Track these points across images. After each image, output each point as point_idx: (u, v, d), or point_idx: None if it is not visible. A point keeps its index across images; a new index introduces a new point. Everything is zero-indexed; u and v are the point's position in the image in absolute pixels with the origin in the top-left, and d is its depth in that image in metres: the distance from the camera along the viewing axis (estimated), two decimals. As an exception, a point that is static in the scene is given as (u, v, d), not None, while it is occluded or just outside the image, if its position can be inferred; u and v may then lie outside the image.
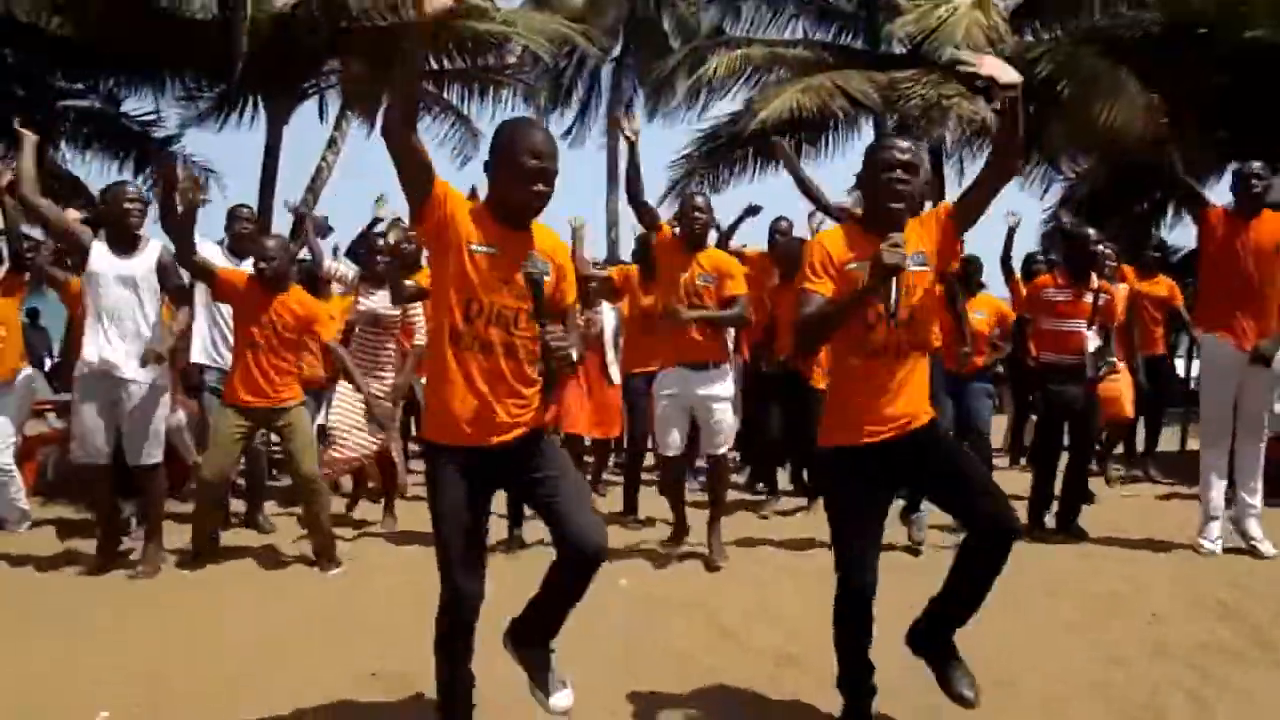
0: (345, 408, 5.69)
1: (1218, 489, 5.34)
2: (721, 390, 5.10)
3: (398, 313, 5.82)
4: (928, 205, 3.26)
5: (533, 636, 2.93)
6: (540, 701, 2.90)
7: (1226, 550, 5.30)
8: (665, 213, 6.02)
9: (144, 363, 4.81)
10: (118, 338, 4.88)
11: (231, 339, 5.30)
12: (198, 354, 5.76)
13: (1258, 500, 5.31)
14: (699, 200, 5.20)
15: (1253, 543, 5.25)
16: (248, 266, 5.26)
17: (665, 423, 5.11)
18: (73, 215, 5.39)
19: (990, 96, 2.95)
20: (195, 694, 3.32)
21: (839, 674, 3.10)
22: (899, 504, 5.38)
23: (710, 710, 3.22)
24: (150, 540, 5.02)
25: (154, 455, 4.99)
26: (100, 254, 4.92)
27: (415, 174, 2.69)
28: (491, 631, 2.93)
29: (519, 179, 2.71)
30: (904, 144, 3.00)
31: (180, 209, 4.75)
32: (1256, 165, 5.23)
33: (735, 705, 3.28)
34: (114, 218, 4.98)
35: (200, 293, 5.61)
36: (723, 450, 5.19)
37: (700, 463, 5.94)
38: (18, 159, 4.93)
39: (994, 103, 2.88)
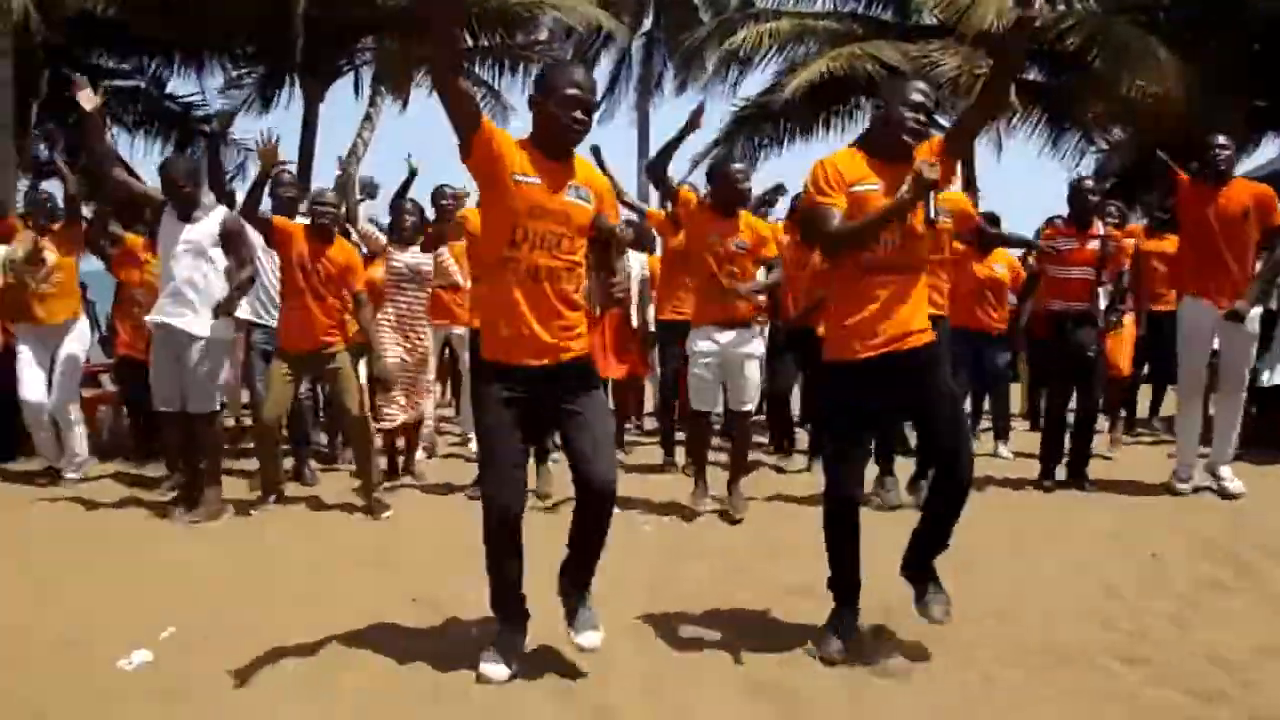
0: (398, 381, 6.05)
1: (1192, 441, 5.68)
2: (751, 349, 5.26)
3: (431, 263, 6.17)
4: None
5: (572, 578, 3.22)
6: (571, 637, 3.18)
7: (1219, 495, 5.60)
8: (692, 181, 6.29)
9: (215, 315, 5.21)
10: (184, 297, 5.23)
11: (277, 299, 5.70)
12: (245, 312, 6.05)
13: (1230, 450, 5.62)
14: (737, 166, 5.31)
15: (1222, 483, 5.57)
16: None
17: (698, 380, 5.25)
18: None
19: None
20: (251, 615, 3.64)
21: (830, 575, 3.38)
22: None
23: (726, 634, 3.47)
24: (209, 486, 5.35)
25: (210, 405, 5.35)
26: (169, 220, 5.30)
27: (464, 114, 2.92)
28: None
29: (560, 106, 2.95)
30: (925, 87, 3.23)
31: (260, 171, 5.22)
32: (1220, 138, 5.42)
33: (749, 629, 3.53)
34: (165, 189, 5.33)
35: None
36: (749, 407, 5.33)
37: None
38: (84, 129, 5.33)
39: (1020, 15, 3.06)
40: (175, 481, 5.80)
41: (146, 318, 5.42)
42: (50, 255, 6.10)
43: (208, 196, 5.42)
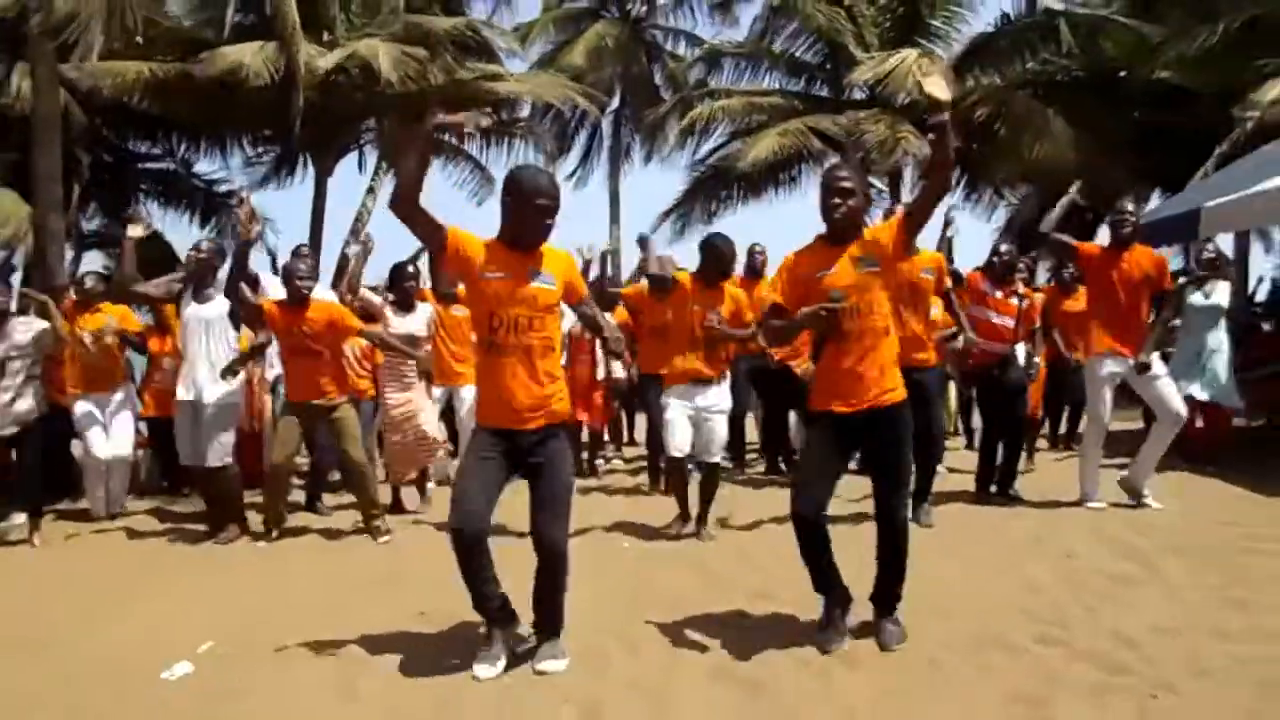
0: (399, 423, 5.99)
1: (1093, 477, 5.63)
2: (718, 403, 5.16)
3: (426, 332, 6.17)
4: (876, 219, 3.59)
5: (539, 621, 3.31)
6: (532, 665, 3.22)
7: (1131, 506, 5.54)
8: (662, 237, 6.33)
9: (222, 376, 5.30)
10: (201, 368, 5.35)
11: None
12: (271, 372, 6.11)
13: (1147, 476, 5.54)
14: (725, 248, 5.14)
15: (1145, 502, 5.49)
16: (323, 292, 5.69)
17: (672, 427, 5.14)
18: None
19: (927, 122, 3.20)
20: (278, 630, 3.62)
21: (813, 582, 3.42)
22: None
23: (700, 635, 3.50)
24: (230, 524, 5.44)
25: (224, 459, 5.40)
26: (187, 302, 5.44)
27: (428, 236, 3.13)
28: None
29: (532, 216, 3.09)
30: (842, 172, 3.31)
31: (240, 239, 5.18)
32: (1129, 205, 5.51)
33: (720, 630, 3.54)
34: (190, 266, 5.55)
35: None
36: (716, 458, 5.20)
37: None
38: (121, 255, 5.51)
39: (929, 123, 3.14)
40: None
41: (177, 398, 5.45)
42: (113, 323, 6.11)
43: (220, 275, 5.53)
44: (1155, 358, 5.48)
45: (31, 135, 8.28)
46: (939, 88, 3.07)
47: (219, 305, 5.40)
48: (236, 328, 5.47)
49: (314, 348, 5.27)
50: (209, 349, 5.36)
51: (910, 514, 5.18)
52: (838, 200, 3.24)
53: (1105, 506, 5.53)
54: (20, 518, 5.50)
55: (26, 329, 5.50)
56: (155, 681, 3.16)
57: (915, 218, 3.31)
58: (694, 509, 5.23)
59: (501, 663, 3.21)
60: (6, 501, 5.56)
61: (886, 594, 3.43)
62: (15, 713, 2.95)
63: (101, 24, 7.86)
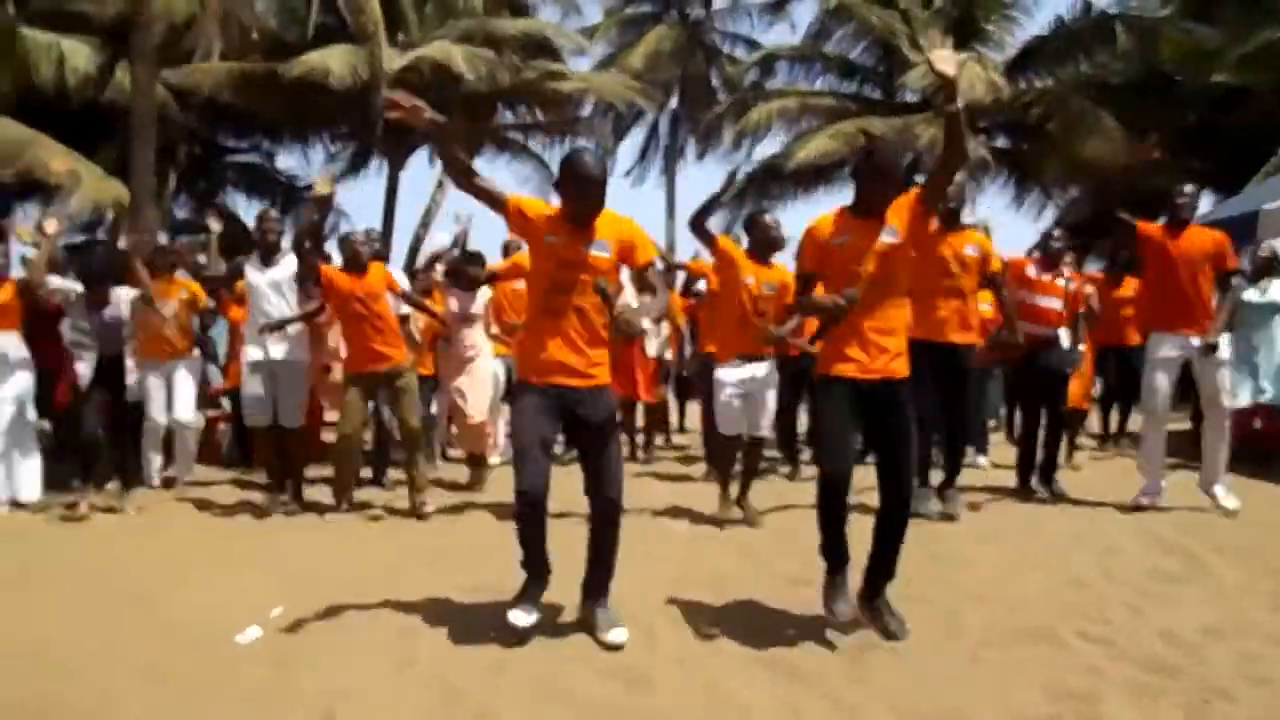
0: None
1: (1157, 463, 5.29)
2: (769, 378, 5.07)
3: (481, 310, 6.21)
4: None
5: (590, 589, 3.31)
6: (601, 639, 3.17)
7: (1175, 505, 5.29)
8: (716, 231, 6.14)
9: (260, 330, 5.39)
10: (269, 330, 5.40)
11: None
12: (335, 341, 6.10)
13: (1221, 469, 5.23)
14: (769, 217, 5.13)
15: (1219, 501, 5.19)
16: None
17: (727, 408, 5.03)
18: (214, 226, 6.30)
19: (942, 103, 3.11)
20: (339, 598, 3.63)
21: (820, 544, 3.29)
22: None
23: (740, 616, 3.44)
24: (295, 491, 5.55)
25: (297, 420, 5.51)
26: (253, 269, 5.55)
27: (489, 202, 3.21)
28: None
29: (579, 199, 3.15)
30: (887, 153, 3.31)
31: (316, 204, 5.19)
32: (1188, 187, 5.25)
33: (760, 613, 3.49)
34: (257, 236, 5.63)
35: None
36: (764, 433, 5.11)
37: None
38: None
39: (943, 110, 3.10)
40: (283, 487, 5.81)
41: (243, 355, 5.58)
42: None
43: (284, 243, 5.65)
44: (1223, 340, 5.19)
45: (129, 129, 8.49)
46: (948, 64, 2.99)
47: (285, 268, 5.48)
48: (303, 287, 5.51)
49: (370, 311, 5.20)
50: (280, 309, 5.45)
51: (939, 504, 5.12)
52: (877, 183, 3.17)
53: (1160, 504, 5.19)
54: (114, 484, 5.65)
55: (125, 297, 5.67)
56: (229, 644, 3.21)
57: (928, 194, 3.22)
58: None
59: (536, 614, 3.23)
60: (100, 471, 5.66)
61: (884, 575, 3.26)
62: (103, 669, 3.01)
63: (218, 29, 8.05)
